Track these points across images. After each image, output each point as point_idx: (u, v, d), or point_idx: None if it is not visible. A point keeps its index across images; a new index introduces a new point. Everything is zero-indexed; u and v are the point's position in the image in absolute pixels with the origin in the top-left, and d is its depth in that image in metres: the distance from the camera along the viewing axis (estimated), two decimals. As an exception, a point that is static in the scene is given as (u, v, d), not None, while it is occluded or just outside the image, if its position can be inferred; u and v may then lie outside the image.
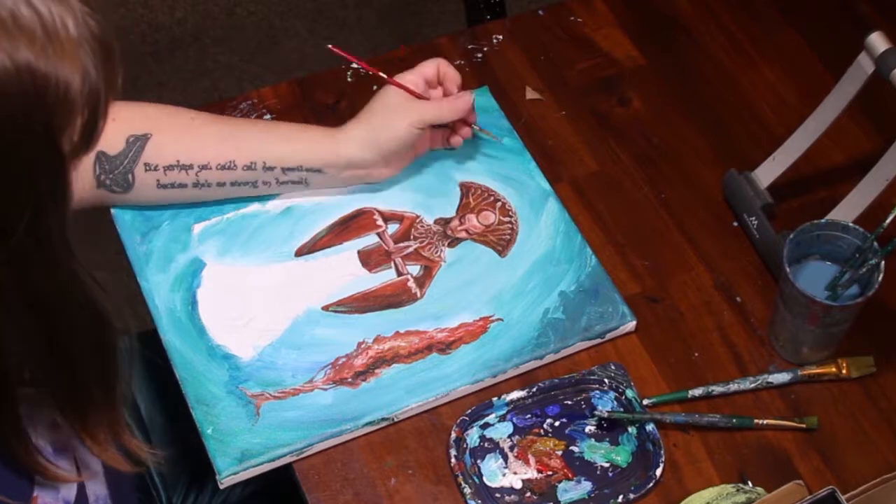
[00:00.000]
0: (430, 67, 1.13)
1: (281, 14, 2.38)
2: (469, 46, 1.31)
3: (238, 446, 1.01)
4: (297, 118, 1.24)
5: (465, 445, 1.03)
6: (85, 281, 0.74)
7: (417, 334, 1.08)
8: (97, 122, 0.70)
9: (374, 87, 1.26)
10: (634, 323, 1.09)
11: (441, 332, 1.08)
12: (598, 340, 1.09)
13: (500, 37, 1.32)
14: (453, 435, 1.03)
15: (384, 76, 1.13)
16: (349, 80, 1.28)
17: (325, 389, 1.05)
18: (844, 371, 1.06)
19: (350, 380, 1.05)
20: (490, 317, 1.09)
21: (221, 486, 1.01)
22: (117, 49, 0.69)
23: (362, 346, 1.07)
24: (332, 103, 1.26)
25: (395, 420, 1.04)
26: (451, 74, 1.14)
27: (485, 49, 1.31)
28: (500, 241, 1.14)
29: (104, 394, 0.79)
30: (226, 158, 1.09)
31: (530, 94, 1.27)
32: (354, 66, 1.28)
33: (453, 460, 1.02)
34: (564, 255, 1.13)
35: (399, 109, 1.11)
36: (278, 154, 1.11)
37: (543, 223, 1.15)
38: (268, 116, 1.24)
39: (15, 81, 0.63)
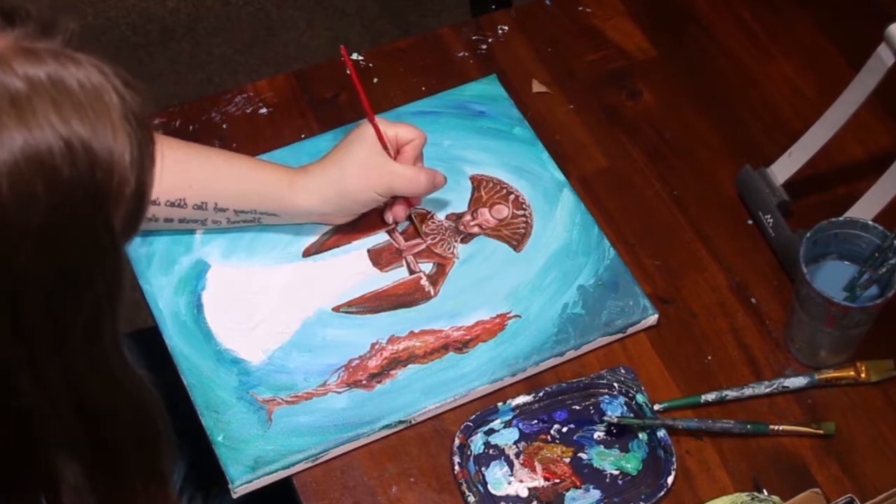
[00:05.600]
0: (412, 134, 1.09)
1: (278, 4, 2.38)
2: (473, 37, 1.31)
3: (251, 454, 1.01)
4: (295, 112, 1.24)
5: (468, 452, 1.03)
6: (135, 382, 0.71)
7: (433, 333, 1.08)
8: (143, 206, 0.66)
9: (375, 80, 1.27)
10: (656, 316, 1.10)
11: (457, 331, 1.09)
12: (620, 335, 1.09)
13: (506, 27, 1.32)
14: (457, 441, 1.03)
15: (369, 111, 1.08)
16: (349, 72, 1.28)
17: (339, 392, 1.05)
18: (863, 375, 1.07)
19: (364, 382, 1.06)
20: (507, 313, 1.10)
21: (235, 495, 1.01)
22: (153, 129, 0.66)
23: (376, 346, 1.08)
24: (330, 97, 1.26)
25: (413, 422, 1.04)
26: (420, 152, 1.11)
27: (490, 40, 1.31)
28: (515, 235, 1.15)
29: (147, 491, 0.77)
30: (176, 196, 1.07)
31: (537, 87, 1.27)
32: (354, 57, 1.28)
33: (457, 467, 1.02)
34: (582, 248, 1.13)
35: (371, 170, 1.07)
36: (231, 196, 1.08)
37: (559, 215, 1.16)
38: (264, 110, 1.24)
39: (70, 161, 0.59)
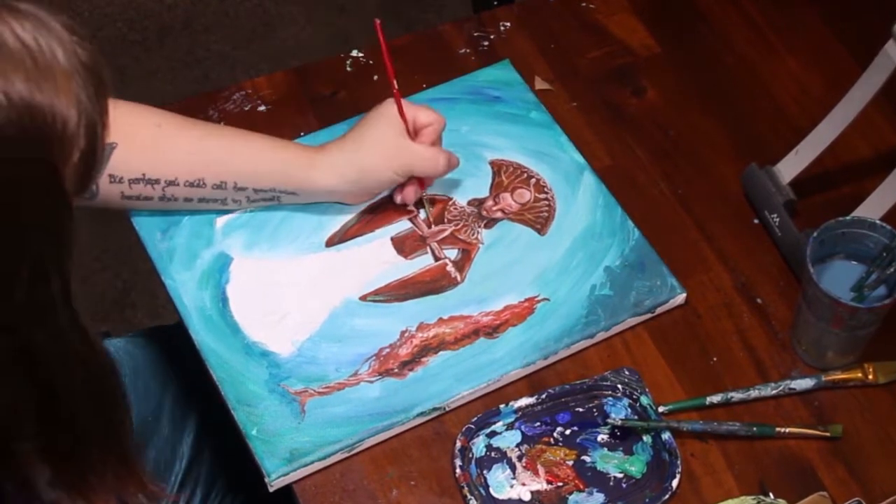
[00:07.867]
0: (431, 118, 1.10)
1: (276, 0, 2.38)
2: (475, 34, 1.31)
3: (286, 446, 1.02)
4: (294, 109, 1.24)
5: (470, 455, 1.03)
6: (88, 342, 0.72)
7: (462, 319, 1.09)
8: (95, 158, 0.67)
9: (375, 77, 1.27)
10: (685, 295, 1.11)
11: (486, 316, 1.09)
12: (649, 315, 1.10)
13: (508, 24, 1.32)
14: (458, 444, 1.03)
15: (395, 88, 1.09)
16: (348, 69, 1.28)
17: (372, 382, 1.05)
18: (871, 376, 1.07)
19: (396, 370, 1.06)
20: (535, 297, 1.10)
21: (271, 489, 1.01)
22: (108, 79, 0.67)
23: (405, 334, 1.08)
24: (329, 94, 1.26)
25: (447, 409, 1.05)
26: (439, 136, 1.11)
27: (492, 37, 1.31)
28: (538, 218, 1.15)
29: (106, 464, 0.77)
30: (194, 176, 1.08)
31: (540, 84, 1.27)
32: (354, 54, 1.28)
33: (458, 471, 1.02)
34: (606, 230, 1.14)
35: (390, 150, 1.09)
36: (250, 174, 1.09)
37: (581, 197, 1.17)
38: (262, 107, 1.24)
39: (11, 119, 0.60)
